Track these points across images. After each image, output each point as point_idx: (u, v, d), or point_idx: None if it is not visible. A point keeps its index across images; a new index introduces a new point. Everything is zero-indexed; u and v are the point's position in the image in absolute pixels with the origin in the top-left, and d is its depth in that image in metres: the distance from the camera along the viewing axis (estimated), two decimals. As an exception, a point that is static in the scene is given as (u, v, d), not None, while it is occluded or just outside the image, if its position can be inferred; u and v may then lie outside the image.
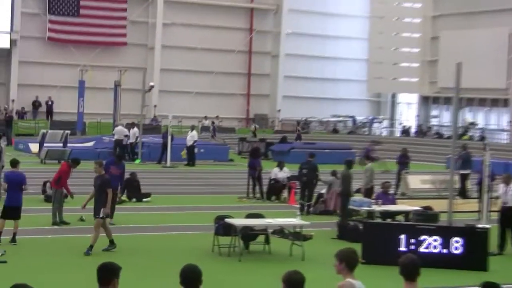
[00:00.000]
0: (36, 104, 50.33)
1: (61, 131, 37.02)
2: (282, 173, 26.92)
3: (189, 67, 54.10)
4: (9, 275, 13.81)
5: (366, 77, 57.30)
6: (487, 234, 16.69)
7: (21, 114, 49.46)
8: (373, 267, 15.52)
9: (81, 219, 19.83)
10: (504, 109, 51.25)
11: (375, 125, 57.43)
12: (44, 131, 37.52)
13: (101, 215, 16.38)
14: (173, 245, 17.92)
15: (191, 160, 36.63)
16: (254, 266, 16.19)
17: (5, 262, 15.20)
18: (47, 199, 22.72)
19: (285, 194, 26.39)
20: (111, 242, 16.65)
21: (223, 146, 42.04)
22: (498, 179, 22.72)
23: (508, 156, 39.46)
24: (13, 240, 16.95)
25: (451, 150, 20.82)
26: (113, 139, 36.98)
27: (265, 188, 26.73)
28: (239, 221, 17.14)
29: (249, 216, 18.26)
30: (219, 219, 17.27)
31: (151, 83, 46.06)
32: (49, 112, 50.15)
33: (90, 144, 39.21)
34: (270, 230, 17.88)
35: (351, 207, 20.60)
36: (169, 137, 35.53)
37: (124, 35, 52.64)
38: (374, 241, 16.61)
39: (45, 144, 35.23)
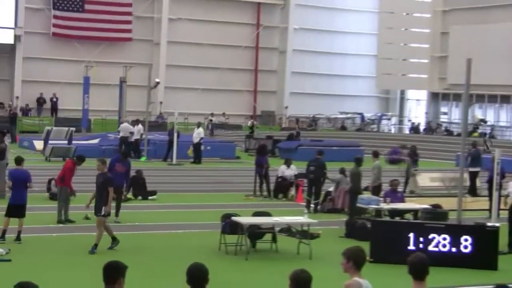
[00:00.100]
0: (40, 101, 50.29)
1: (66, 128, 36.88)
2: (290, 171, 26.72)
3: (195, 63, 53.98)
4: (13, 273, 13.71)
5: (375, 73, 57.02)
6: (496, 233, 16.53)
7: (26, 111, 49.41)
8: (382, 265, 15.43)
9: (86, 217, 19.67)
10: (514, 106, 51.04)
11: (384, 122, 57.21)
12: (49, 128, 37.39)
13: (102, 213, 16.24)
14: (179, 244, 17.80)
15: (197, 157, 36.45)
16: (261, 265, 16.06)
17: (9, 260, 15.15)
18: (52, 197, 22.60)
19: (292, 192, 26.20)
20: (114, 239, 16.54)
21: (229, 144, 41.86)
22: (508, 176, 22.53)
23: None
24: (18, 238, 16.84)
25: (460, 147, 20.58)
26: (119, 136, 36.82)
27: (272, 186, 26.54)
28: (246, 219, 17.00)
29: (256, 214, 18.12)
30: (226, 217, 17.15)
31: (157, 80, 45.87)
32: (54, 109, 50.10)
33: (95, 141, 39.09)
34: (277, 229, 17.75)
35: (359, 205, 20.40)
36: (175, 134, 35.35)
37: (129, 30, 52.53)
38: (382, 239, 16.46)
39: (49, 142, 35.09)
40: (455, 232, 16.53)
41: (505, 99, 51.10)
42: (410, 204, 21.75)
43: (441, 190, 27.47)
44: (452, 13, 53.88)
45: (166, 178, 30.45)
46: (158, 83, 45.58)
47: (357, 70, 59.25)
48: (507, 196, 19.82)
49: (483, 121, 50.26)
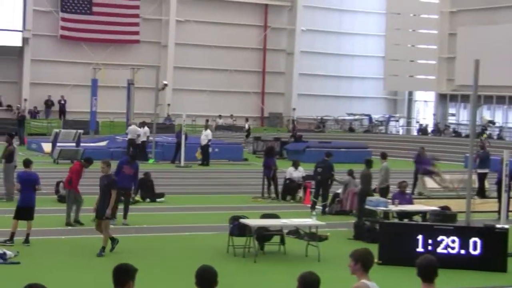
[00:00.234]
0: (48, 103, 50.37)
1: (74, 131, 36.95)
2: (297, 173, 26.67)
3: (203, 65, 54.00)
4: (22, 276, 13.76)
5: (383, 74, 56.91)
6: (506, 235, 16.46)
7: (34, 114, 49.48)
8: (390, 268, 15.42)
9: (95, 220, 19.64)
10: (523, 107, 50.87)
11: (392, 123, 57.12)
12: (57, 130, 37.44)
13: (107, 215, 16.26)
14: (187, 246, 17.79)
15: (205, 159, 36.44)
16: (269, 267, 16.03)
17: (18, 263, 15.16)
18: (60, 199, 22.63)
19: (300, 193, 26.14)
20: (112, 239, 16.47)
21: (237, 145, 41.84)
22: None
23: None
24: (26, 241, 16.85)
25: (469, 149, 20.51)
26: (127, 139, 36.83)
27: (280, 188, 26.50)
28: (254, 222, 16.98)
29: (264, 216, 18.09)
30: (234, 220, 17.12)
31: (165, 82, 45.94)
32: (62, 111, 50.17)
33: (103, 143, 39.12)
34: (285, 231, 17.72)
35: (367, 207, 20.35)
36: (183, 136, 35.35)
37: (137, 32, 52.59)
38: (391, 241, 16.41)
39: (58, 144, 35.14)
40: (464, 234, 16.46)
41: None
42: (418, 206, 21.69)
43: (450, 192, 27.36)
44: (460, 14, 53.76)
45: (174, 180, 30.43)
46: (166, 85, 45.63)
47: (365, 71, 59.17)
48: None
49: (492, 122, 50.10)
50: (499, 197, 22.14)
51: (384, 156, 23.87)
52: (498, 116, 52.12)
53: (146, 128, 37.15)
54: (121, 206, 20.15)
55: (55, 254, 16.36)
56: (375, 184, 23.32)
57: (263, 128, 54.02)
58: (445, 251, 16.12)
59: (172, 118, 50.62)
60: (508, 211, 20.63)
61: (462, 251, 16.21)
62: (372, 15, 59.04)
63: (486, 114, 51.38)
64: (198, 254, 16.54)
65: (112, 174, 17.01)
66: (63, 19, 50.69)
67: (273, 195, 26.27)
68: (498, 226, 17.90)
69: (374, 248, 13.30)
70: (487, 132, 47.86)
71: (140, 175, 22.90)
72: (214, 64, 54.23)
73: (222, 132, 48.82)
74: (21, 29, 49.19)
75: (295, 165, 27.05)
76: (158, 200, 24.62)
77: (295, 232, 18.38)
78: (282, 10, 57.38)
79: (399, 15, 55.76)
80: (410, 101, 61.28)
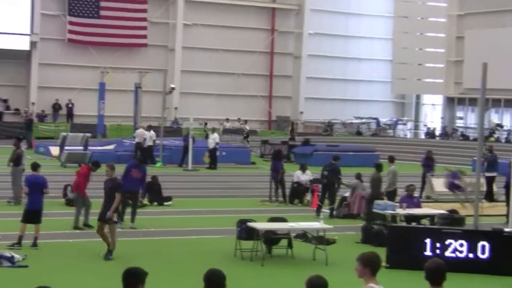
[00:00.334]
0: (56, 107, 50.47)
1: (82, 134, 36.99)
2: (305, 176, 26.65)
3: (210, 68, 54.03)
4: (30, 279, 13.75)
5: (390, 78, 56.83)
6: (514, 238, 16.40)
7: (41, 117, 49.58)
8: (398, 271, 15.40)
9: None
10: (531, 110, 50.72)
11: (399, 127, 57.03)
12: (65, 134, 37.49)
13: (114, 219, 16.24)
14: (194, 249, 17.79)
15: (212, 163, 36.44)
16: (277, 271, 16.01)
17: (26, 266, 15.17)
18: (68, 202, 22.66)
19: (308, 197, 26.11)
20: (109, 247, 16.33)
21: (245, 149, 41.84)
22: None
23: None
24: (34, 244, 16.87)
25: (477, 152, 20.46)
26: (134, 142, 36.85)
27: (287, 191, 26.47)
28: (261, 225, 16.95)
29: (272, 219, 18.06)
30: (241, 223, 17.11)
31: (172, 85, 45.97)
32: (70, 114, 50.27)
33: (111, 147, 39.16)
34: (293, 234, 17.68)
35: (375, 210, 20.32)
36: (190, 140, 35.36)
37: (144, 36, 52.66)
38: (398, 245, 16.36)
39: (65, 147, 35.19)
40: (472, 237, 16.40)
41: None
42: (426, 209, 21.63)
43: (458, 195, 27.27)
44: (468, 17, 53.66)
45: (182, 184, 30.44)
46: (173, 88, 45.67)
47: (372, 75, 59.10)
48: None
49: (500, 125, 49.96)
50: (507, 201, 22.08)
51: (391, 160, 23.82)
52: (506, 119, 51.97)
53: (152, 132, 37.04)
54: (128, 210, 20.18)
55: (63, 258, 16.36)
56: (383, 187, 23.31)
57: (271, 132, 54.00)
58: (453, 254, 16.07)
59: (180, 121, 50.64)
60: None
61: (470, 255, 16.15)
62: (379, 19, 58.97)
63: (494, 117, 51.24)
64: (205, 257, 16.52)
65: (116, 177, 16.95)
66: (71, 23, 50.79)
67: (281, 199, 26.26)
68: (506, 229, 17.88)
69: (381, 252, 13.30)
70: (495, 136, 47.76)
71: (148, 179, 22.92)
72: (221, 68, 54.25)
73: (229, 135, 48.81)
74: (29, 33, 49.33)
75: (303, 169, 27.05)
76: (165, 203, 24.63)
77: (303, 235, 18.34)
78: (289, 13, 57.39)
79: (406, 18, 55.67)
80: (418, 104, 61.16)
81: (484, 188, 26.76)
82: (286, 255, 17.17)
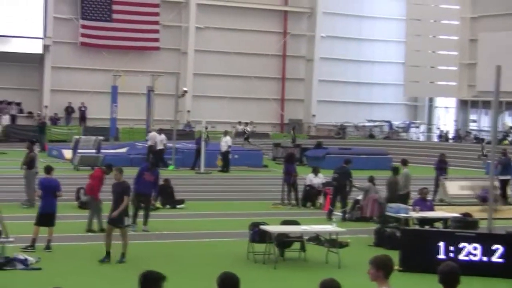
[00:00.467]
0: (69, 110, 50.63)
1: (94, 137, 37.06)
2: (317, 179, 26.63)
3: (222, 71, 54.05)
4: (43, 282, 13.82)
5: (403, 80, 56.68)
6: (529, 242, 16.29)
7: (54, 120, 49.75)
8: (411, 274, 15.34)
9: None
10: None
11: (412, 129, 56.88)
12: (77, 137, 37.57)
13: (125, 223, 16.23)
14: (207, 252, 17.78)
15: (225, 166, 36.43)
16: (290, 274, 15.99)
17: (39, 269, 15.19)
18: (81, 205, 22.70)
19: (320, 200, 26.07)
20: (108, 254, 16.19)
21: (257, 152, 41.82)
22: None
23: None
24: (48, 247, 16.90)
25: (490, 155, 20.36)
26: (147, 145, 36.88)
27: (300, 194, 26.44)
28: (274, 228, 16.93)
29: (285, 222, 18.03)
30: (254, 226, 17.09)
31: (184, 88, 46.01)
32: (82, 117, 50.41)
33: (123, 150, 39.22)
34: (305, 237, 17.65)
35: (387, 213, 20.28)
36: (203, 143, 35.38)
37: (156, 39, 52.74)
38: (412, 248, 16.30)
39: (78, 150, 35.27)
40: (486, 241, 16.33)
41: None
42: (439, 212, 21.55)
43: (471, 199, 27.18)
44: (481, 20, 53.46)
45: (194, 187, 30.45)
46: (185, 91, 45.70)
47: (385, 77, 58.97)
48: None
49: (513, 128, 49.74)
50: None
51: (404, 163, 23.79)
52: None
53: (162, 136, 36.90)
54: (141, 213, 20.20)
55: (76, 260, 16.38)
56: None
57: (283, 135, 53.97)
58: (467, 258, 16.00)
59: (192, 124, 50.67)
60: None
61: (484, 258, 16.07)
62: (392, 21, 58.85)
63: (507, 120, 50.99)
64: (218, 260, 16.51)
65: (125, 181, 16.87)
66: (83, 26, 50.94)
67: (293, 202, 26.22)
68: (520, 233, 17.76)
69: (394, 255, 13.26)
70: (509, 139, 47.54)
71: (160, 182, 22.94)
72: (233, 71, 54.26)
73: (242, 138, 48.79)
74: (41, 36, 49.53)
75: (315, 172, 27.03)
76: (178, 206, 24.66)
77: (315, 238, 18.32)
78: (302, 16, 57.35)
79: (419, 21, 55.51)
80: (431, 107, 60.98)
81: (497, 191, 26.64)
82: (299, 258, 17.16)
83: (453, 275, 6.75)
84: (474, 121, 55.57)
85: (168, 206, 24.44)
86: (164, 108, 46.28)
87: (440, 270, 6.79)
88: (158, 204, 23.82)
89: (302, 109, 57.51)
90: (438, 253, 16.06)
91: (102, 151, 36.05)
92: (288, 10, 56.83)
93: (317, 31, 56.60)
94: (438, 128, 57.67)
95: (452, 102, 57.93)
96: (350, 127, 55.95)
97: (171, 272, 14.90)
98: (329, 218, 22.53)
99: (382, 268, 6.85)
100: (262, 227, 16.86)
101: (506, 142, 45.52)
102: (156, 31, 52.73)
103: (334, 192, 23.98)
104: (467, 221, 20.11)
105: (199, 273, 15.31)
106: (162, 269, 6.58)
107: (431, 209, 21.35)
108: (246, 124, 50.48)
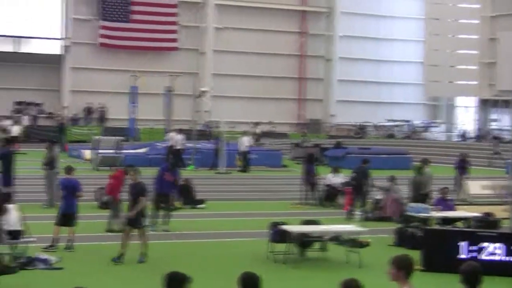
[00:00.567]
0: (88, 110, 50.85)
1: (114, 137, 37.14)
2: (337, 179, 26.58)
3: (241, 71, 54.10)
4: (64, 281, 13.86)
5: (422, 80, 56.46)
6: (551, 241, 16.15)
7: (74, 121, 49.97)
8: (433, 274, 15.28)
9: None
10: None
11: (432, 129, 56.63)
12: (97, 137, 37.69)
13: (143, 224, 16.25)
14: (227, 252, 17.78)
15: (244, 166, 36.42)
16: (310, 273, 15.95)
17: (61, 268, 15.25)
18: (101, 205, 22.78)
19: (340, 200, 26.00)
20: (121, 255, 16.09)
21: (276, 152, 41.77)
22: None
23: None
24: (69, 247, 16.96)
25: (506, 153, 20.22)
26: (166, 145, 36.90)
27: (320, 194, 26.39)
28: (294, 228, 16.90)
29: (305, 222, 17.99)
30: (274, 226, 17.07)
31: (203, 88, 46.07)
32: (102, 118, 50.61)
33: (143, 150, 39.28)
34: (326, 237, 17.59)
35: (408, 213, 20.20)
36: (222, 143, 35.37)
37: (175, 40, 52.89)
38: (433, 248, 16.21)
39: (98, 151, 35.38)
40: (508, 240, 16.22)
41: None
42: (461, 212, 21.44)
43: (493, 198, 27.01)
44: (501, 19, 53.15)
45: (214, 187, 30.46)
46: (204, 92, 45.76)
47: (404, 77, 58.80)
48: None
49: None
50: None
51: (426, 162, 23.67)
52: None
53: (180, 136, 36.84)
54: (161, 212, 20.24)
55: (97, 260, 16.41)
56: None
57: (300, 135, 53.89)
58: (488, 258, 15.89)
59: (211, 124, 50.70)
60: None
61: (506, 258, 15.96)
62: (410, 21, 58.67)
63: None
64: (238, 260, 16.52)
65: (141, 182, 16.84)
66: (103, 27, 51.16)
67: (313, 201, 26.18)
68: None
69: (415, 255, 13.20)
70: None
71: (181, 182, 22.98)
72: (252, 71, 54.29)
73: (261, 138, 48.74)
74: (61, 37, 49.81)
75: (335, 171, 26.99)
76: (198, 206, 24.69)
77: (336, 238, 18.26)
78: (320, 16, 57.27)
79: (437, 20, 55.27)
80: (451, 106, 60.68)
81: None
82: (319, 258, 17.11)
83: (475, 275, 6.73)
84: (494, 120, 55.22)
85: (188, 206, 24.48)
86: (183, 108, 46.38)
87: (462, 269, 6.77)
88: (178, 204, 23.85)
89: (321, 109, 57.43)
90: (459, 253, 15.97)
91: (122, 151, 36.11)
92: (306, 10, 56.80)
93: (335, 31, 56.56)
94: (458, 128, 57.36)
95: (471, 101, 57.64)
96: (370, 126, 55.80)
97: (191, 272, 14.90)
98: (349, 217, 22.46)
99: (403, 268, 6.84)
100: (283, 226, 16.84)
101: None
102: (175, 32, 52.88)
103: (353, 192, 23.93)
104: (488, 221, 19.97)
105: (219, 273, 15.31)
106: (182, 269, 6.57)
107: (451, 208, 21.25)
108: (257, 124, 50.26)
